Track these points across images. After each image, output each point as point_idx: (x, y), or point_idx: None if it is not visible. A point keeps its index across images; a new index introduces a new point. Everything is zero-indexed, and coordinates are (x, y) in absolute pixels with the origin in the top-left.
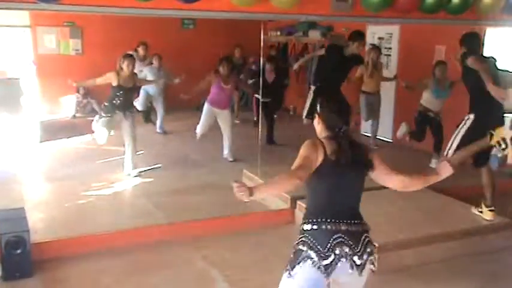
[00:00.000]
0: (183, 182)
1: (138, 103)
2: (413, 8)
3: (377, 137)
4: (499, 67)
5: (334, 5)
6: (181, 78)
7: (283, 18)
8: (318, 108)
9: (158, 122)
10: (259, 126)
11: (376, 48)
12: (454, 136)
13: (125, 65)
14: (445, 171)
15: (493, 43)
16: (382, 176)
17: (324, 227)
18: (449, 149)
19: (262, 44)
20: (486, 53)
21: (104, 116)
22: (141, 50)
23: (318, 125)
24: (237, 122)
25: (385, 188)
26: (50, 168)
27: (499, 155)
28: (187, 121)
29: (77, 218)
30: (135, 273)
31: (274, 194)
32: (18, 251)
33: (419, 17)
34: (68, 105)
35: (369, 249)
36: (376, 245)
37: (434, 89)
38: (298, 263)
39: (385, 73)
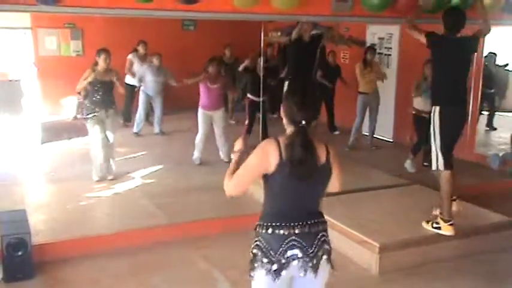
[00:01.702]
0: (185, 183)
1: (140, 105)
2: (414, 8)
3: (377, 136)
4: (497, 64)
5: (335, 6)
6: (181, 84)
7: (284, 19)
8: (283, 99)
9: (156, 123)
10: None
11: (371, 49)
12: (433, 146)
13: (101, 59)
14: None
15: (493, 41)
16: (336, 166)
17: (277, 231)
18: (437, 160)
19: (262, 44)
20: (486, 50)
21: (88, 117)
22: (141, 49)
23: (283, 118)
24: (232, 122)
25: (386, 187)
26: (51, 169)
27: (500, 154)
28: (188, 121)
29: (79, 220)
30: (136, 273)
31: None
32: (20, 253)
33: (419, 17)
34: (69, 107)
35: (323, 249)
36: (330, 245)
37: (424, 89)
38: (254, 268)
39: (387, 72)
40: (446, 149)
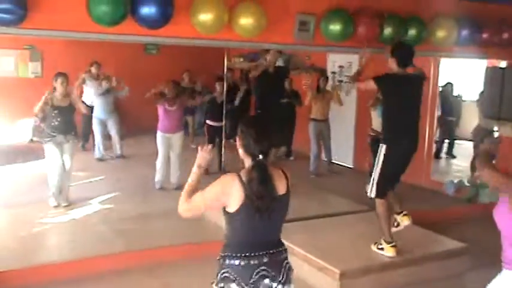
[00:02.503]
0: (144, 208)
1: (94, 131)
2: (373, 39)
3: (337, 162)
4: (454, 93)
5: (297, 34)
6: (127, 89)
7: (247, 46)
8: (238, 131)
9: (115, 147)
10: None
11: (323, 76)
12: (373, 174)
13: (58, 83)
14: None
15: (447, 72)
16: None
17: (246, 262)
18: (372, 187)
19: (225, 70)
20: (442, 80)
21: (45, 141)
22: (93, 69)
23: (239, 149)
24: (193, 146)
25: (346, 213)
26: (4, 194)
27: (455, 181)
28: (149, 144)
29: (32, 247)
30: None
31: None
32: None
33: (378, 46)
34: (25, 129)
35: (290, 276)
36: (294, 270)
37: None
38: None
39: (345, 99)
40: (383, 183)
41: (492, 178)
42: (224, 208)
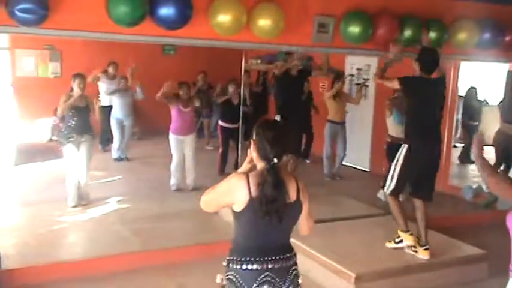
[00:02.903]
0: (160, 209)
1: (113, 130)
2: (390, 42)
3: (354, 166)
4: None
5: (315, 36)
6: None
7: (264, 48)
8: (254, 133)
9: (122, 147)
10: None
11: (341, 78)
12: (391, 171)
13: (75, 84)
14: None
15: (470, 76)
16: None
17: (250, 267)
18: (390, 183)
19: (243, 71)
20: (464, 85)
21: (63, 141)
22: (110, 69)
23: (253, 152)
24: (209, 148)
25: (361, 217)
26: (24, 192)
27: (474, 186)
28: (167, 145)
29: (51, 244)
30: None
31: None
32: None
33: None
34: (44, 128)
35: (296, 282)
36: (300, 278)
37: (395, 115)
38: None
39: (363, 103)
40: (400, 182)
41: (496, 188)
42: (232, 208)
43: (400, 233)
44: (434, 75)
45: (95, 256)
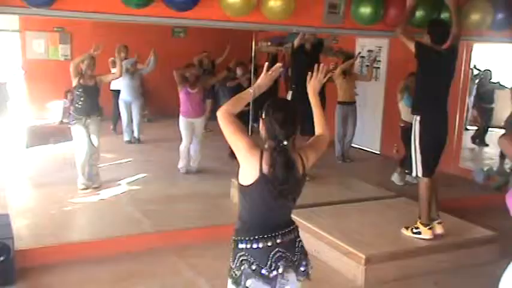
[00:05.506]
0: (171, 191)
1: (121, 113)
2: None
3: (365, 148)
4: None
5: (326, 17)
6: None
7: (275, 29)
8: (263, 112)
9: (134, 130)
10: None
11: (349, 59)
12: (413, 153)
13: (85, 65)
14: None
15: (484, 58)
16: (313, 152)
17: (262, 245)
18: (416, 166)
19: (253, 53)
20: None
21: (72, 122)
22: (121, 53)
23: (261, 131)
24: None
25: (372, 199)
26: (36, 174)
27: (485, 169)
28: (176, 127)
29: (63, 225)
30: (120, 282)
31: None
32: (2, 258)
33: (409, 30)
34: (55, 111)
35: (303, 254)
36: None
37: (406, 97)
38: (246, 281)
39: (374, 84)
40: (426, 156)
41: (507, 146)
42: (241, 186)
43: (419, 224)
44: (446, 45)
45: (106, 237)
